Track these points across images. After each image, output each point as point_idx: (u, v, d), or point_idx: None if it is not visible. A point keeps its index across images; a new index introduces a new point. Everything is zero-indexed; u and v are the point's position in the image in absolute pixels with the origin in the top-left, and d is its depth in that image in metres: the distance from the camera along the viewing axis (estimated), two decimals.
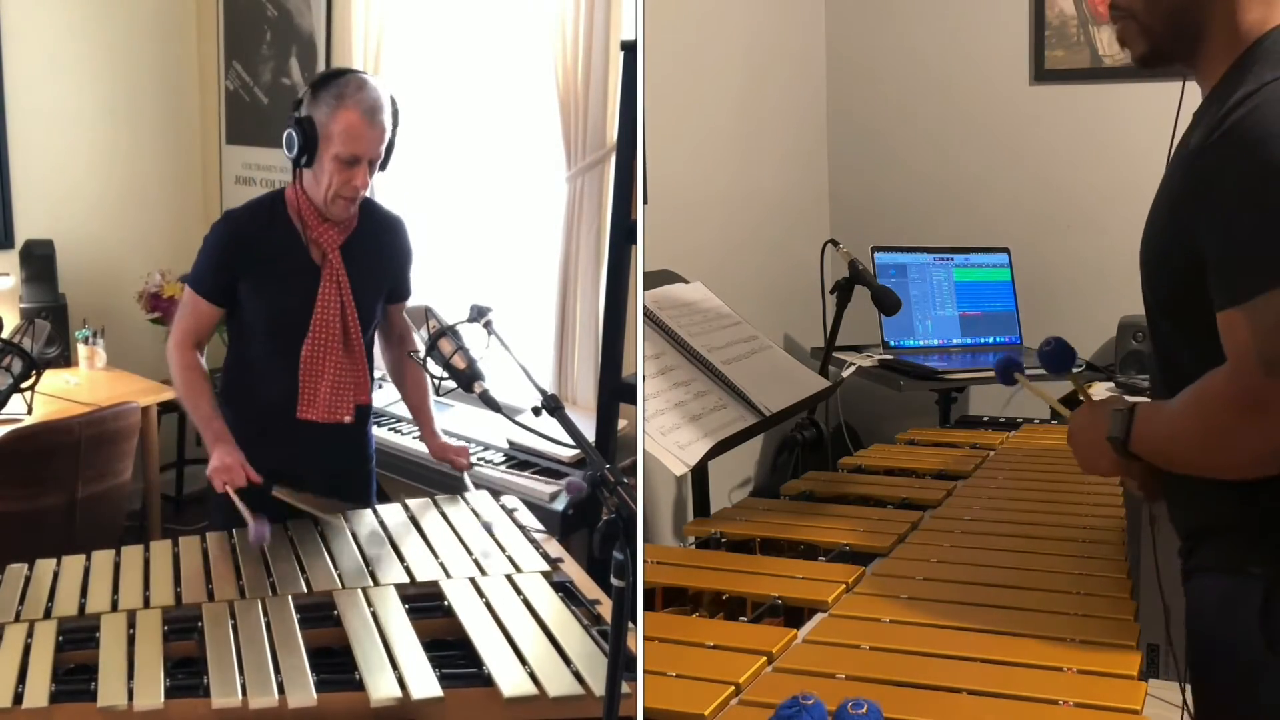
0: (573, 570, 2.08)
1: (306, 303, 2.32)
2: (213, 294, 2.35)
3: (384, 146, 2.30)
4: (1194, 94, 1.73)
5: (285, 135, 2.27)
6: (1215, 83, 1.54)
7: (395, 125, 2.33)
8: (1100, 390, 3.48)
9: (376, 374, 2.53)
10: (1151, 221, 1.57)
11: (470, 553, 2.13)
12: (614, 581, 1.33)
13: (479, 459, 2.99)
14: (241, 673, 1.66)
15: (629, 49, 2.71)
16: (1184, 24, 1.55)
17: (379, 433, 2.60)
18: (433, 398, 2.51)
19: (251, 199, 2.40)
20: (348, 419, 2.37)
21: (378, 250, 2.41)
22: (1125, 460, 1.55)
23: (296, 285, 2.32)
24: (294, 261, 2.31)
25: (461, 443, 2.55)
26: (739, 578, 1.90)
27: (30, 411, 2.88)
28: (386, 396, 2.56)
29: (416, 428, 3.12)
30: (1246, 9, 1.51)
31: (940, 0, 4.17)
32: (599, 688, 1.59)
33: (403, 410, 3.01)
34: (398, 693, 1.62)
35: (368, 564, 2.07)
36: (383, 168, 2.35)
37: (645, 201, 3.01)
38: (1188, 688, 1.59)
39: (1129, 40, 1.63)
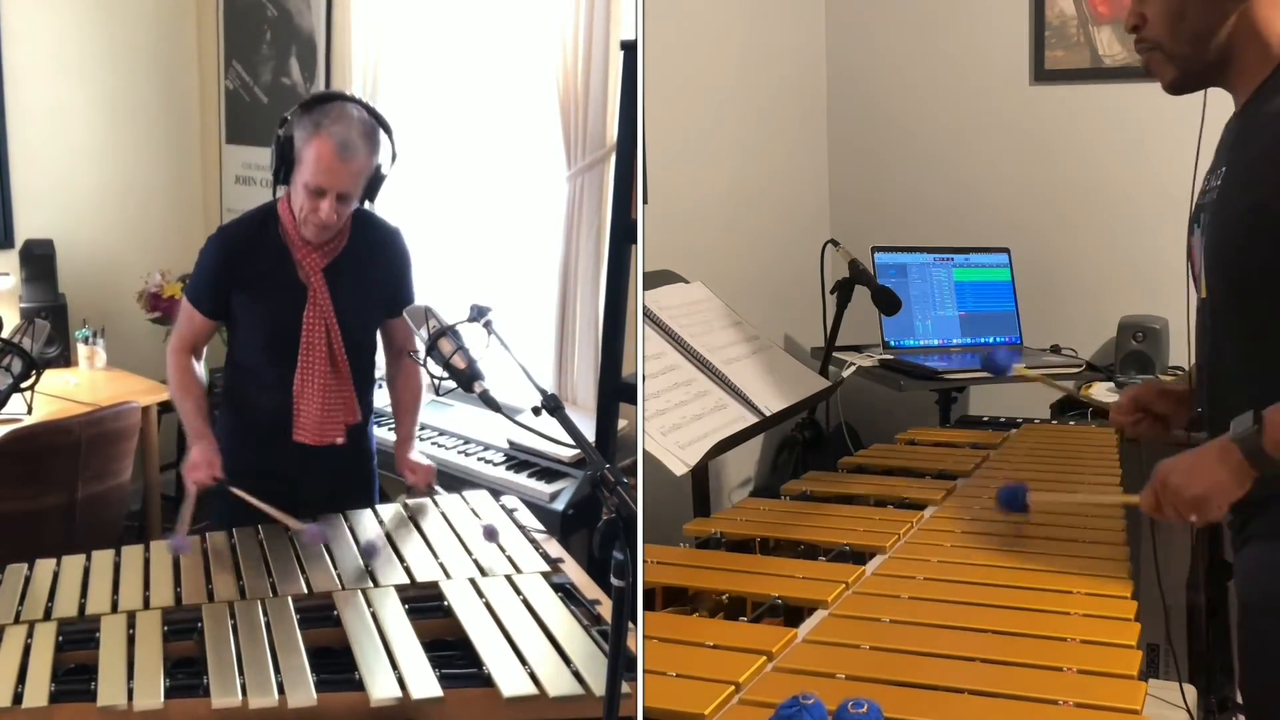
0: (573, 570, 2.08)
1: (296, 320, 2.31)
2: (208, 309, 2.37)
3: (359, 182, 2.24)
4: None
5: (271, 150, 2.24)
6: (1251, 93, 1.63)
7: (393, 157, 2.29)
8: (1100, 390, 3.48)
9: (377, 374, 2.53)
10: (1231, 209, 1.64)
11: (470, 553, 2.13)
12: (614, 581, 1.33)
13: (479, 459, 2.99)
14: (241, 673, 1.66)
15: (629, 49, 2.71)
16: (1210, 47, 1.63)
17: (378, 433, 2.60)
18: (421, 411, 2.49)
19: (245, 211, 2.39)
20: (340, 440, 2.36)
21: (371, 265, 2.37)
22: (1253, 464, 1.57)
23: (286, 302, 2.31)
24: (283, 279, 2.30)
25: (430, 463, 2.44)
26: (739, 578, 1.90)
27: (30, 411, 2.87)
28: (386, 397, 2.56)
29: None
30: (1272, 22, 1.61)
31: (940, 1, 4.17)
32: (599, 688, 1.59)
33: None
34: (398, 693, 1.62)
35: (368, 564, 2.07)
36: (369, 198, 2.31)
37: (645, 201, 3.01)
38: (1189, 688, 1.60)
39: (1157, 69, 1.70)
